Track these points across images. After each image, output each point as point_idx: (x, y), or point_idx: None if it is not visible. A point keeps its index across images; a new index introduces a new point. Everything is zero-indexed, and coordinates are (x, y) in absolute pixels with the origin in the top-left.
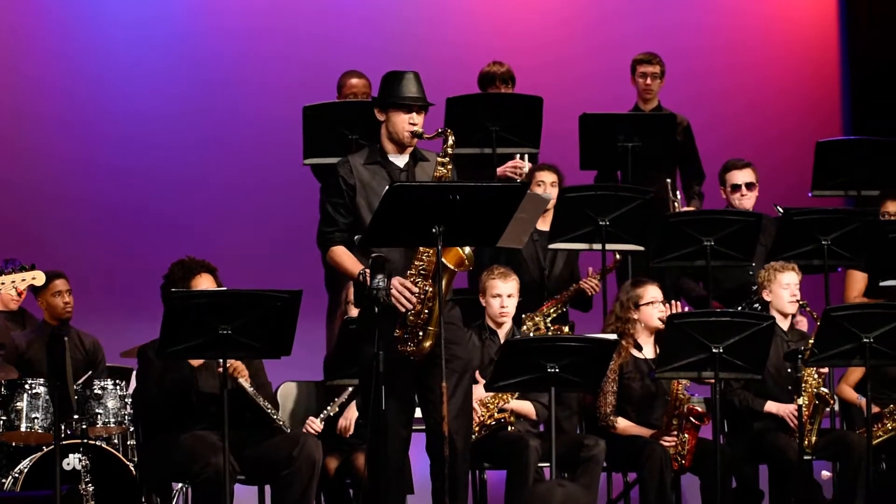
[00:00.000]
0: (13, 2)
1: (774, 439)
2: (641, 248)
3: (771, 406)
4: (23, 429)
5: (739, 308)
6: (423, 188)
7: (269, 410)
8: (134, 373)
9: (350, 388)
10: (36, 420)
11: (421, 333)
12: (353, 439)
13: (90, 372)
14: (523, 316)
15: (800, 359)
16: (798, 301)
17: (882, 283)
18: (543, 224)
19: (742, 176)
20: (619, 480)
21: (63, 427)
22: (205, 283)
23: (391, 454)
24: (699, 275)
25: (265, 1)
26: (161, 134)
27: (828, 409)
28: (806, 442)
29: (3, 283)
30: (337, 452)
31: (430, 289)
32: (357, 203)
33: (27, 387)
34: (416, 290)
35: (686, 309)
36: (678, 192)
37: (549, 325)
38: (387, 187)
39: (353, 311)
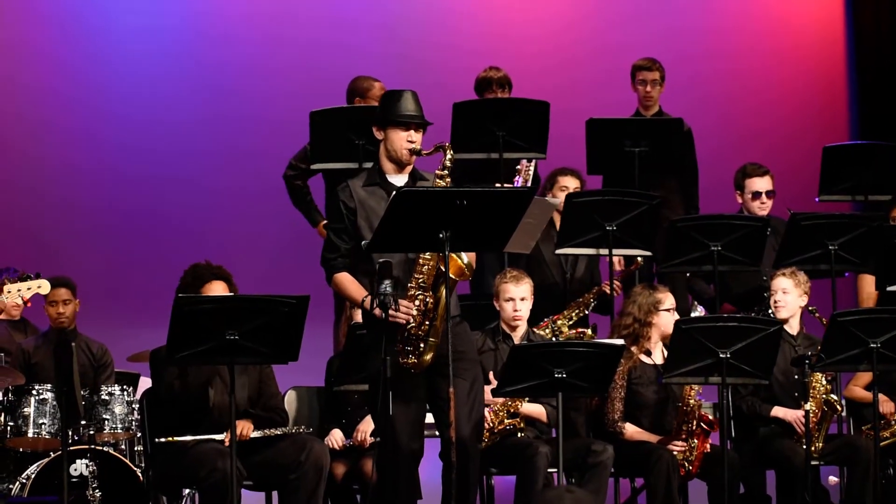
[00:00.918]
0: (20, 11)
1: (781, 445)
2: (648, 254)
3: (778, 411)
4: (30, 434)
5: (752, 313)
6: (430, 193)
7: (281, 432)
8: (142, 379)
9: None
10: (43, 426)
11: (422, 345)
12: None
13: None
14: (545, 320)
15: (807, 364)
16: (776, 305)
17: (889, 288)
18: None
19: (763, 183)
20: (626, 486)
21: (70, 433)
22: (217, 290)
23: (401, 466)
24: (710, 278)
25: (271, 9)
26: (169, 141)
27: (835, 416)
28: (813, 447)
29: (9, 293)
30: (344, 458)
31: (431, 300)
32: (358, 225)
33: (34, 392)
34: (413, 307)
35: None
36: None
37: (571, 328)
38: (393, 193)
39: (358, 315)
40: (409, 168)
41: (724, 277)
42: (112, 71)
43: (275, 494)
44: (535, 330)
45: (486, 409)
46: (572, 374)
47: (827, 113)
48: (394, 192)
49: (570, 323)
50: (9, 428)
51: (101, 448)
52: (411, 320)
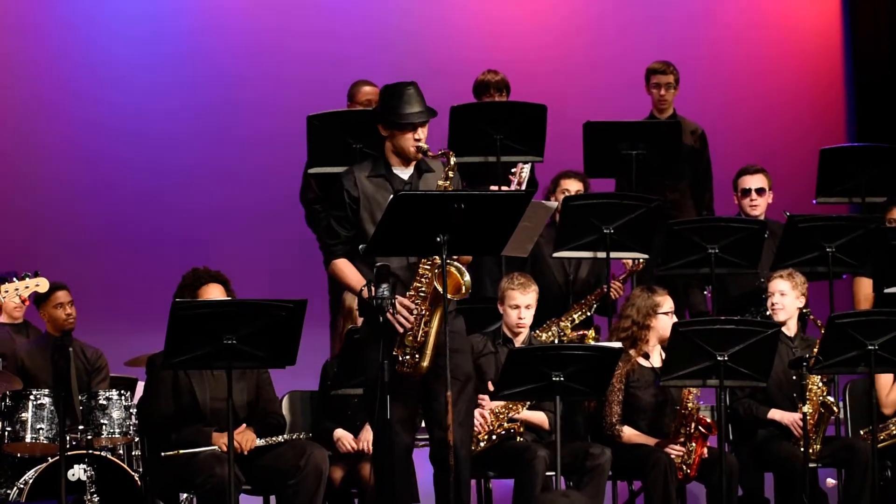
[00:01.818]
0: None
1: (779, 447)
2: (646, 256)
3: (775, 414)
4: (28, 439)
5: (748, 314)
6: (427, 197)
7: (282, 439)
8: (139, 383)
9: None
10: (41, 431)
11: (418, 355)
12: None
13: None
14: (547, 322)
15: (805, 366)
16: (773, 308)
17: (887, 290)
18: None
19: (753, 181)
20: (624, 489)
21: (68, 438)
22: (213, 293)
23: (397, 464)
24: (707, 280)
25: (268, 12)
26: (166, 148)
27: (833, 417)
28: (811, 450)
29: (6, 292)
30: (342, 462)
31: (427, 311)
32: (360, 216)
33: (32, 397)
34: (415, 309)
35: None
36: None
37: (573, 330)
38: (391, 197)
39: (359, 320)
40: (415, 161)
41: (721, 280)
42: (108, 81)
43: (273, 499)
44: (537, 334)
45: (487, 412)
46: (570, 377)
47: (824, 115)
48: (391, 197)
49: (573, 325)
50: (6, 433)
51: (98, 453)
52: (409, 327)
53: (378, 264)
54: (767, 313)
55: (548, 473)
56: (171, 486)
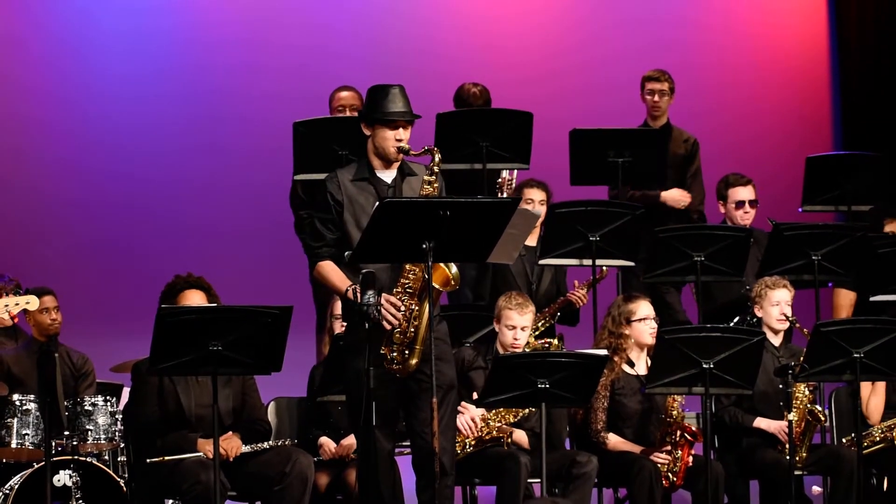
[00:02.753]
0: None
1: (765, 455)
2: (631, 264)
3: (761, 422)
4: (13, 445)
5: (734, 322)
6: (413, 204)
7: (267, 446)
8: (125, 389)
9: None
10: (26, 436)
11: (407, 351)
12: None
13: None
14: None
15: (790, 374)
16: (787, 318)
17: (872, 299)
18: (532, 240)
19: (746, 193)
20: (609, 496)
21: (53, 443)
22: (194, 299)
23: (381, 469)
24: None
25: (256, 15)
26: (154, 155)
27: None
28: (797, 457)
29: None
30: (328, 468)
31: (416, 307)
32: (344, 219)
33: (18, 403)
34: (402, 306)
35: None
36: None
37: (537, 338)
38: (376, 203)
39: (339, 327)
40: (398, 163)
41: (706, 288)
42: (96, 93)
43: None
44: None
45: (477, 417)
46: (555, 384)
47: (810, 123)
48: (377, 204)
49: (536, 333)
50: None
51: (84, 459)
52: (396, 325)
53: (364, 271)
54: (753, 321)
55: (534, 481)
56: (156, 493)
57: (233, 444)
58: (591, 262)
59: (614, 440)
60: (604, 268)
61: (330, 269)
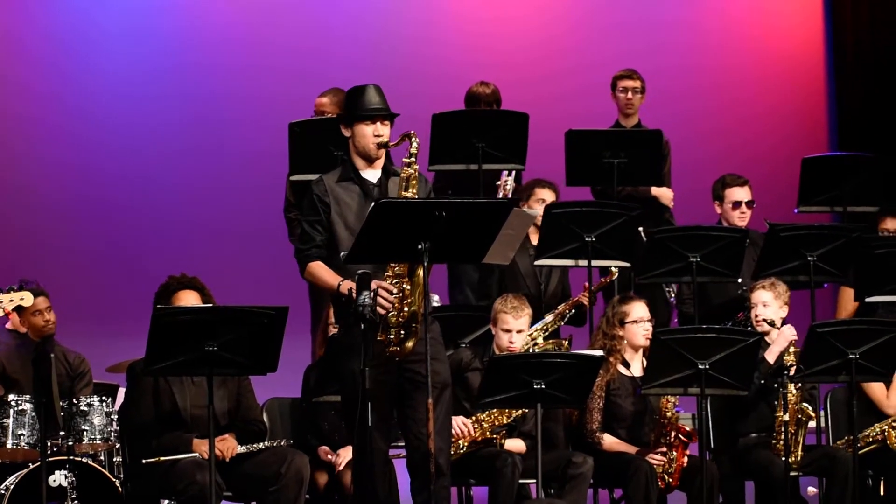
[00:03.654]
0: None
1: (760, 456)
2: (627, 265)
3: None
4: (9, 445)
5: (730, 323)
6: (409, 204)
7: (263, 446)
8: (121, 389)
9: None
10: (22, 437)
11: (403, 333)
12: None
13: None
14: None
15: (786, 375)
16: (765, 319)
17: (868, 299)
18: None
19: (743, 193)
20: (605, 497)
21: (49, 444)
22: (188, 300)
23: (376, 469)
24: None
25: (252, 18)
26: (150, 156)
27: (812, 425)
28: (792, 458)
29: None
30: (328, 467)
31: (408, 286)
32: (332, 220)
33: (13, 403)
34: (394, 290)
35: None
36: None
37: (546, 339)
38: (366, 203)
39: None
40: (381, 162)
41: (702, 288)
42: (94, 94)
43: None
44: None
45: (471, 419)
46: (551, 384)
47: (806, 124)
48: (372, 204)
49: (546, 334)
50: None
51: (79, 459)
52: (391, 308)
53: (359, 272)
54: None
55: (530, 482)
56: (152, 493)
57: (228, 445)
58: (586, 263)
59: (609, 441)
60: (613, 269)
61: (320, 269)
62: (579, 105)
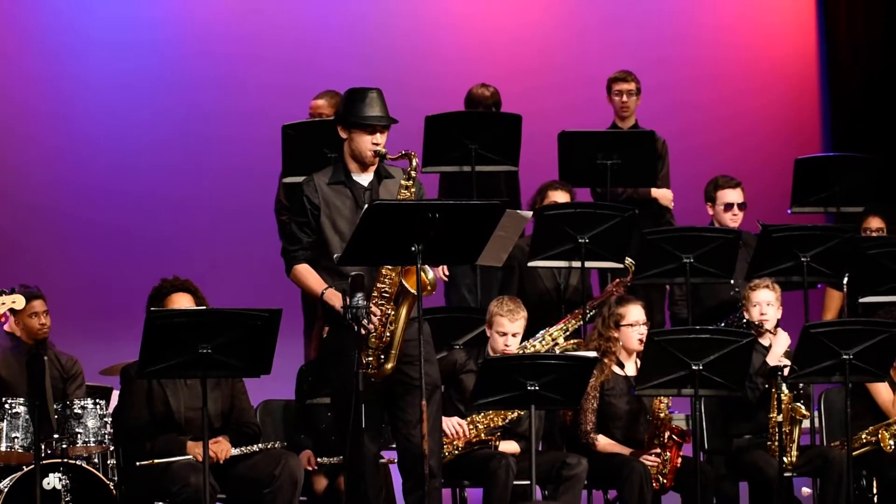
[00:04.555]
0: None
1: (754, 456)
2: (621, 266)
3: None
4: (2, 448)
5: (723, 323)
6: (402, 206)
7: (257, 448)
8: (114, 392)
9: None
10: (16, 440)
11: (382, 356)
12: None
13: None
14: (541, 332)
15: (780, 376)
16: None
17: (861, 300)
18: None
19: (735, 195)
20: (599, 498)
21: (43, 446)
22: (181, 302)
23: (367, 472)
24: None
25: (246, 21)
26: (145, 156)
27: (806, 426)
28: (786, 459)
29: None
30: (326, 471)
31: (392, 312)
32: (321, 222)
33: (7, 406)
34: (378, 312)
35: None
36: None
37: (566, 339)
38: (358, 206)
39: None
40: (374, 166)
41: (694, 290)
42: (86, 85)
43: None
44: (532, 345)
45: (467, 421)
46: (545, 386)
47: (799, 126)
48: (365, 206)
49: (567, 334)
50: None
51: (73, 462)
52: (372, 330)
53: (353, 274)
54: (744, 322)
55: (523, 482)
56: (146, 496)
57: (222, 447)
58: (579, 264)
59: (603, 442)
60: (628, 259)
61: (306, 272)
62: (576, 109)
